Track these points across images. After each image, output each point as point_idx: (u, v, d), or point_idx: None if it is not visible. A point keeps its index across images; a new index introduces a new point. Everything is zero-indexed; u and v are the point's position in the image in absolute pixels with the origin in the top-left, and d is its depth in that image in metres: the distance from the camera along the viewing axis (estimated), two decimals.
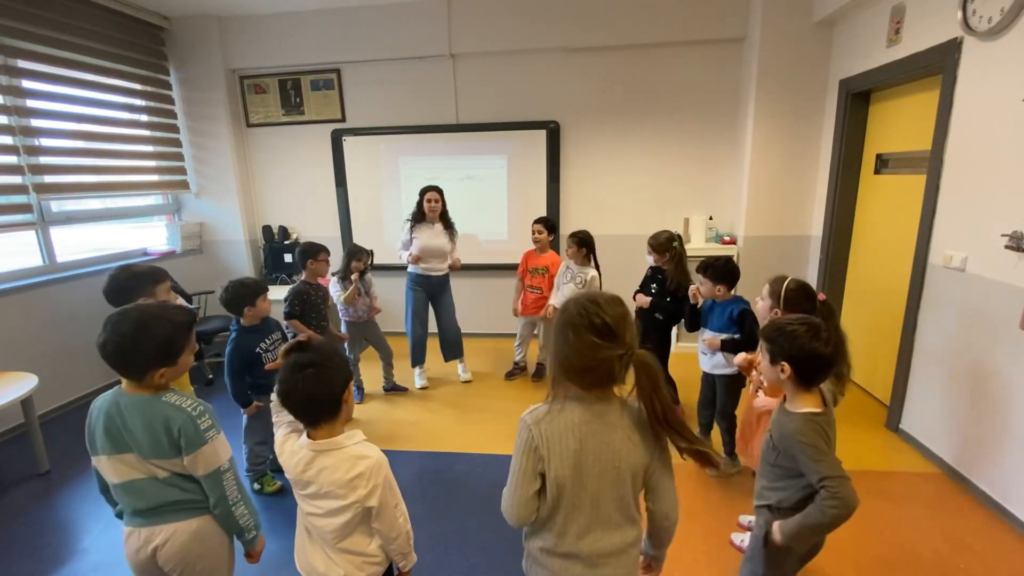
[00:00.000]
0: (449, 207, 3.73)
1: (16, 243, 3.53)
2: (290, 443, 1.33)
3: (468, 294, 4.61)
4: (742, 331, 2.49)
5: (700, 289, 2.68)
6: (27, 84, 3.49)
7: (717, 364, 2.65)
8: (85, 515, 2.52)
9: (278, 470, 2.78)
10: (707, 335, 2.65)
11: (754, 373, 2.07)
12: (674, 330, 3.31)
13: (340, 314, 3.51)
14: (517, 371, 4.00)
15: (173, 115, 4.61)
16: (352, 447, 1.28)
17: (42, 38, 3.49)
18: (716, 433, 2.79)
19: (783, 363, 1.40)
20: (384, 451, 1.35)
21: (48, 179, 3.57)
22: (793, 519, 1.42)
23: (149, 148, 4.42)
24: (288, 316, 2.98)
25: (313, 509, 1.30)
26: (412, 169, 4.65)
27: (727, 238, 4.28)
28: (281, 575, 2.12)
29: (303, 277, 3.09)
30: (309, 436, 1.29)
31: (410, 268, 3.73)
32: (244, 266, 4.90)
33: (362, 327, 3.52)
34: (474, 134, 4.53)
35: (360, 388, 3.71)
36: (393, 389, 3.77)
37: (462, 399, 3.68)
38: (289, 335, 3.06)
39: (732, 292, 2.65)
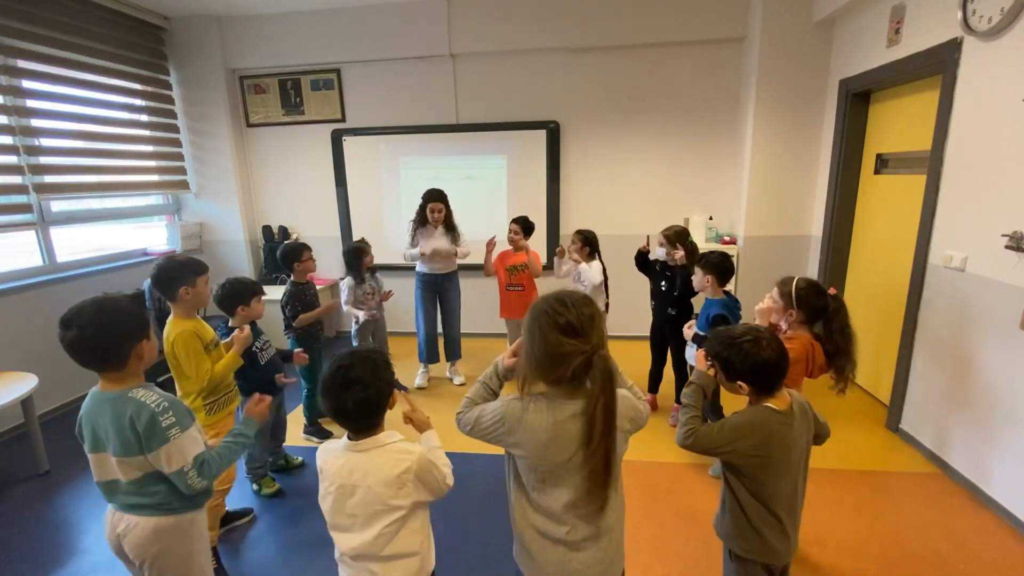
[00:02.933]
0: (449, 207, 3.72)
1: (16, 243, 3.53)
2: (328, 449, 1.34)
3: (467, 294, 4.59)
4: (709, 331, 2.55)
5: (692, 280, 2.71)
6: (27, 84, 3.49)
7: (692, 356, 2.70)
8: (85, 515, 2.52)
9: (278, 471, 2.79)
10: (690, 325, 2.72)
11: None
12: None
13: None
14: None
15: (173, 115, 4.61)
16: (394, 444, 1.31)
17: (42, 38, 3.49)
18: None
19: (739, 383, 1.42)
20: None
21: (48, 179, 3.56)
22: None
23: (149, 148, 4.42)
24: (293, 318, 2.96)
25: (354, 511, 1.28)
26: (412, 169, 4.65)
27: (727, 238, 4.28)
28: (283, 574, 2.12)
29: (292, 278, 3.06)
30: (350, 437, 1.31)
31: (417, 268, 3.74)
32: (244, 266, 4.90)
33: (371, 324, 3.52)
34: (474, 134, 4.53)
35: None
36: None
37: (462, 399, 3.66)
38: (288, 336, 3.04)
39: (723, 289, 2.66)
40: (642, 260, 3.26)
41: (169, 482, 1.38)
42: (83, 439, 1.41)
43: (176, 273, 2.09)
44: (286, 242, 3.14)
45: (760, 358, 1.37)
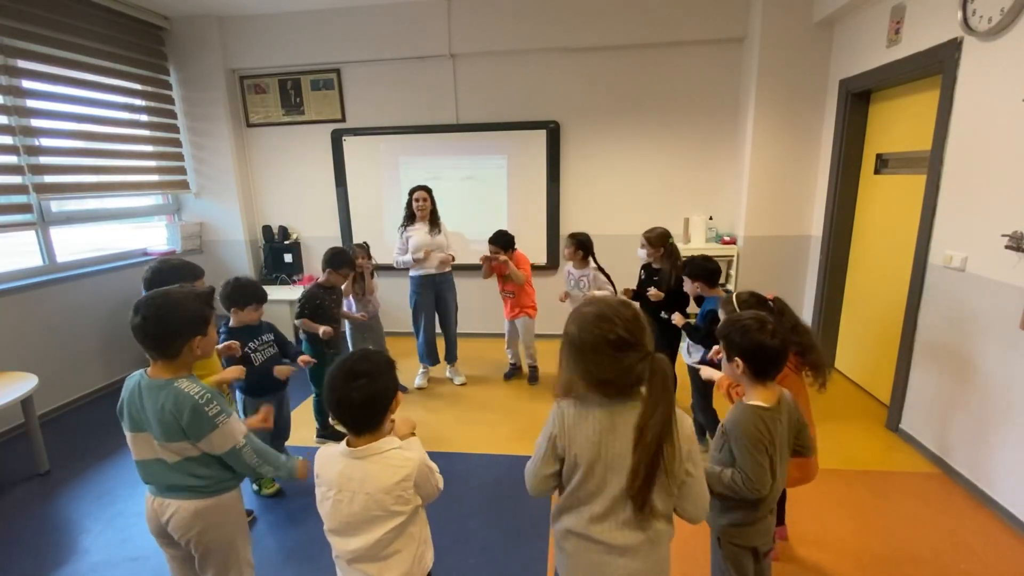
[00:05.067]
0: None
1: (16, 243, 3.53)
2: (326, 453, 1.33)
3: (467, 294, 4.60)
4: (703, 324, 2.59)
5: (684, 287, 2.71)
6: (27, 84, 3.49)
7: (689, 357, 2.73)
8: (85, 515, 2.52)
9: None
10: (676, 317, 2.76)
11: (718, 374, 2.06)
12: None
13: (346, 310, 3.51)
14: (514, 371, 4.01)
15: (173, 115, 4.61)
16: (392, 452, 1.29)
17: (42, 38, 3.49)
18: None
19: (736, 359, 1.47)
20: None
21: (48, 179, 3.56)
22: (713, 469, 1.49)
23: (149, 148, 4.42)
24: (298, 316, 2.94)
25: (352, 517, 1.27)
26: (412, 169, 4.65)
27: (727, 238, 4.29)
28: (283, 574, 2.12)
29: (321, 279, 3.01)
30: (348, 444, 1.29)
31: (412, 272, 3.73)
32: (244, 266, 4.90)
33: (365, 326, 3.52)
34: (474, 134, 4.53)
35: None
36: None
37: (461, 399, 3.68)
38: (302, 336, 3.02)
39: (716, 290, 2.65)
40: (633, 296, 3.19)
41: (209, 467, 1.46)
42: (122, 418, 1.48)
43: (170, 276, 2.09)
44: (338, 247, 3.11)
45: (760, 338, 1.43)
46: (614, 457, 1.15)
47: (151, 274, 2.16)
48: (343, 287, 3.31)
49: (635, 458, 1.12)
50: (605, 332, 1.11)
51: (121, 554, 2.24)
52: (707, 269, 2.63)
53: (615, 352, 1.10)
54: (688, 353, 2.78)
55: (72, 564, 2.20)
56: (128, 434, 1.46)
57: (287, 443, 2.86)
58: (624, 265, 3.92)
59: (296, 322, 2.96)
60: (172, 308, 1.41)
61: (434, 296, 3.80)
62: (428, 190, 3.66)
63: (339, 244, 4.84)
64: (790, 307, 1.96)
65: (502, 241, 3.62)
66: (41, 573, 2.16)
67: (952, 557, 2.12)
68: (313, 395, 3.13)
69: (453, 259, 3.79)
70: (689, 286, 2.68)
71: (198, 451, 1.43)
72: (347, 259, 3.02)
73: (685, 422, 1.18)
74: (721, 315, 2.09)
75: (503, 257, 3.59)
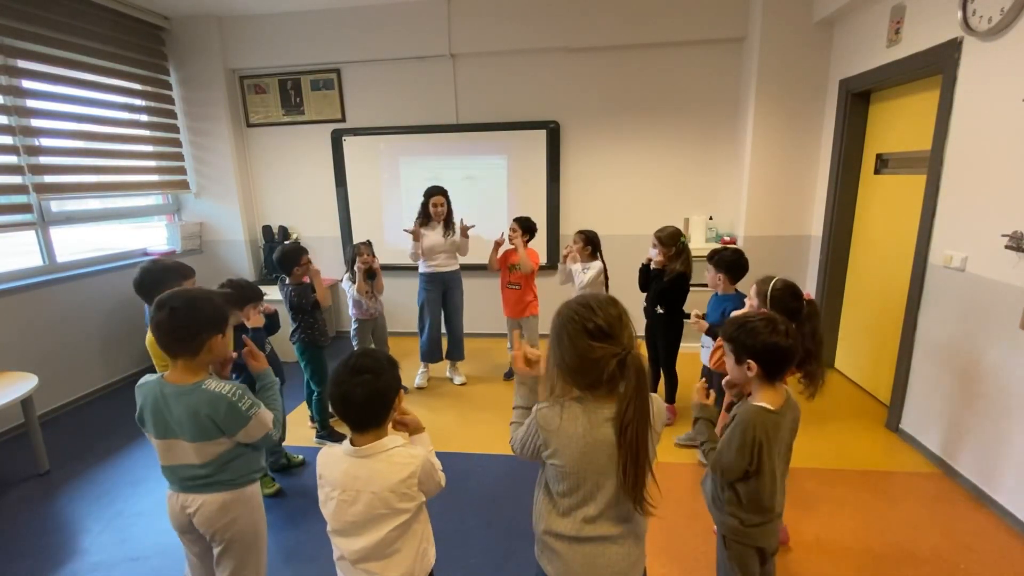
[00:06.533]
0: (450, 202, 3.75)
1: (16, 243, 3.53)
2: (329, 454, 1.33)
3: (469, 294, 4.59)
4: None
5: (708, 277, 2.69)
6: (27, 84, 3.49)
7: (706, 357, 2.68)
8: (85, 515, 2.52)
9: (279, 470, 2.79)
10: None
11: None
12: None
13: (350, 311, 3.50)
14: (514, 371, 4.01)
15: (173, 115, 4.61)
16: (397, 449, 1.30)
17: (42, 38, 3.49)
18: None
19: (748, 361, 1.43)
20: None
21: (48, 179, 3.56)
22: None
23: (149, 148, 4.42)
24: (308, 311, 2.95)
25: (357, 517, 1.27)
26: (412, 169, 4.65)
27: (727, 238, 4.29)
28: (283, 574, 2.13)
29: (289, 281, 2.93)
30: (352, 443, 1.30)
31: (421, 268, 3.74)
32: (244, 266, 4.90)
33: (371, 324, 3.53)
34: (474, 134, 4.53)
35: None
36: None
37: (462, 399, 3.68)
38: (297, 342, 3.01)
39: (735, 287, 2.65)
40: (645, 276, 3.15)
41: (236, 460, 1.49)
42: (144, 425, 1.49)
43: (161, 277, 2.09)
44: (283, 244, 3.09)
45: (772, 339, 1.40)
46: (604, 463, 1.16)
47: (142, 275, 2.15)
48: (356, 286, 3.33)
49: (620, 456, 1.13)
50: (584, 319, 1.13)
51: (121, 554, 2.25)
52: (737, 264, 2.59)
53: (590, 340, 1.11)
54: (705, 348, 2.74)
55: (72, 564, 2.20)
56: (156, 441, 1.46)
57: (284, 443, 2.86)
58: (624, 264, 3.91)
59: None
60: (199, 302, 1.43)
61: (442, 294, 3.80)
62: (445, 193, 3.66)
63: (339, 244, 4.88)
64: (819, 314, 1.97)
65: (525, 224, 3.65)
66: (41, 573, 2.16)
67: (952, 557, 2.12)
68: (315, 394, 3.12)
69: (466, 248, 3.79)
70: (711, 276, 2.63)
71: (231, 444, 1.46)
72: (301, 248, 2.95)
73: (656, 403, 1.20)
74: (751, 297, 2.08)
75: (517, 239, 3.59)
